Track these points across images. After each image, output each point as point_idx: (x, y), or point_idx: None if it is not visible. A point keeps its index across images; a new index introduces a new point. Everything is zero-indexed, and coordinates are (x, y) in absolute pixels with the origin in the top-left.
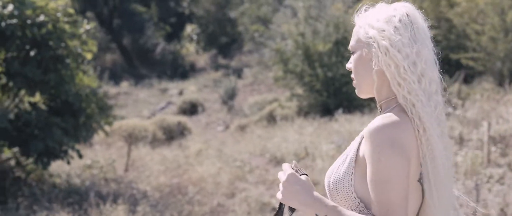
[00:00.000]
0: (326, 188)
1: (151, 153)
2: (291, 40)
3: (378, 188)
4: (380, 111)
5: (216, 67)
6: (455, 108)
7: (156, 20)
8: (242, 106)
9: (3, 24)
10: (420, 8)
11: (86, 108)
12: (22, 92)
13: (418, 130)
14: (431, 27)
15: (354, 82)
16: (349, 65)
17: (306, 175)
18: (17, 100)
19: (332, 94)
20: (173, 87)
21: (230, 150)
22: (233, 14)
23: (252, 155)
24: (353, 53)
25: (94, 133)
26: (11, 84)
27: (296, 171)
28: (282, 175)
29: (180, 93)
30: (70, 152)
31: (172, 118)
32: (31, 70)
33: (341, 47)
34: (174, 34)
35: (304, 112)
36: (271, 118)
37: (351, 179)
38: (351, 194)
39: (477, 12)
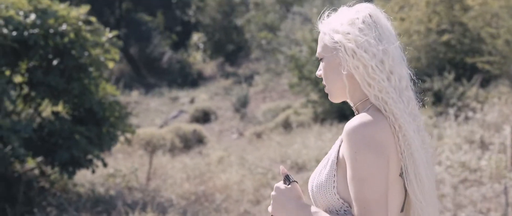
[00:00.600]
0: (310, 193)
1: (171, 161)
2: (305, 46)
3: (356, 186)
4: (357, 114)
5: (227, 75)
6: (474, 111)
7: (162, 29)
8: (255, 113)
9: (25, 33)
10: (434, 12)
11: (109, 117)
12: (45, 101)
13: (394, 126)
14: (445, 31)
15: (326, 88)
16: (319, 72)
17: (296, 182)
18: (39, 110)
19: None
20: (184, 95)
21: (251, 157)
22: (239, 21)
23: (273, 161)
24: (321, 60)
25: (117, 141)
26: (33, 93)
27: (286, 178)
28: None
29: (191, 101)
30: (95, 161)
31: (188, 126)
32: (54, 79)
33: None
34: (181, 43)
35: (320, 118)
36: (287, 125)
37: (334, 181)
38: (334, 195)
39: (491, 15)
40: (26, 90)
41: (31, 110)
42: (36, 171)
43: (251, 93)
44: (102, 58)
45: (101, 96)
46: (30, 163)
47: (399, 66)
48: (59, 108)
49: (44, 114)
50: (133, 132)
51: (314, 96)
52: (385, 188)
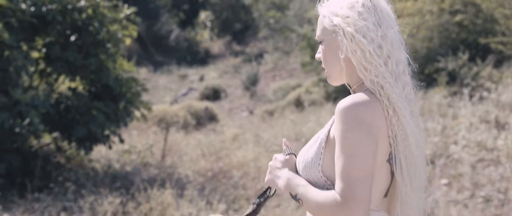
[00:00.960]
0: (299, 171)
1: (185, 138)
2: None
3: (342, 163)
4: (354, 93)
5: (235, 54)
6: (489, 91)
7: (170, 7)
8: (264, 92)
9: (44, 9)
10: None
11: (126, 93)
12: (61, 77)
13: (387, 111)
14: (458, 11)
15: (325, 71)
16: (318, 55)
17: (294, 154)
18: (55, 85)
19: None
20: (193, 73)
21: (266, 135)
22: (247, 0)
23: (287, 139)
24: (320, 43)
25: (134, 118)
26: (49, 69)
27: (286, 150)
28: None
29: (201, 79)
30: (112, 137)
31: (199, 103)
32: (72, 55)
33: None
34: (188, 21)
35: (332, 97)
36: (298, 104)
37: (320, 158)
38: (318, 173)
39: None
40: (42, 65)
41: (47, 86)
42: (52, 147)
43: (261, 72)
44: (119, 35)
45: (117, 72)
46: (46, 138)
47: (398, 50)
48: (76, 84)
49: (60, 90)
50: (149, 109)
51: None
52: (371, 169)
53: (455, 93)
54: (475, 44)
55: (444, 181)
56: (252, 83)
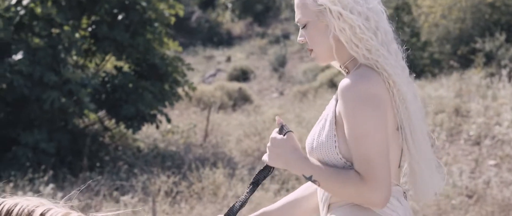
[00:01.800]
0: (308, 154)
1: (226, 118)
2: None
3: (357, 143)
4: (347, 72)
5: (262, 35)
6: None
7: None
8: (292, 73)
9: None
10: None
11: (172, 73)
12: (107, 56)
13: (388, 82)
14: None
15: (312, 53)
16: (301, 38)
17: (291, 132)
18: (100, 65)
19: None
20: (219, 54)
21: (307, 115)
22: None
23: None
24: (304, 26)
25: (179, 98)
26: (94, 48)
27: (281, 128)
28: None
29: (228, 60)
30: (159, 116)
31: (232, 84)
32: (120, 34)
33: (401, 12)
34: (209, 2)
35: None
36: (332, 84)
37: (335, 141)
38: (336, 155)
39: None
40: (86, 45)
41: (92, 65)
42: (97, 126)
43: (288, 53)
44: (166, 14)
45: (163, 52)
46: (92, 117)
47: (383, 20)
48: (121, 63)
49: (105, 69)
50: (193, 89)
51: None
52: (386, 141)
53: (492, 74)
54: (508, 26)
55: (492, 162)
56: (280, 64)
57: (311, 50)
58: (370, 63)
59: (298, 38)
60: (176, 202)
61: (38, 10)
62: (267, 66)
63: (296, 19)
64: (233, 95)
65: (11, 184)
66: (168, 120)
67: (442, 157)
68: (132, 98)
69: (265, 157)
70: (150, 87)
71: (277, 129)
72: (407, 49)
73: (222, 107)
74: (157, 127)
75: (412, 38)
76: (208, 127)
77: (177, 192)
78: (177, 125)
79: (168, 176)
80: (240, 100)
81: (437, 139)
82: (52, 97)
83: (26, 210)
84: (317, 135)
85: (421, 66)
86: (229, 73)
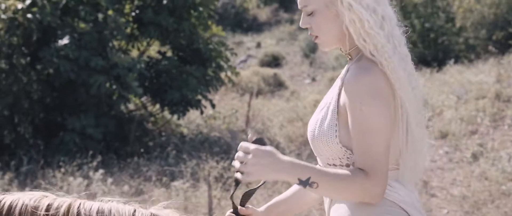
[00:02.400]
0: (310, 141)
1: (265, 104)
2: None
3: (362, 137)
4: (350, 58)
5: (288, 21)
6: None
7: None
8: (323, 59)
9: None
10: None
11: (216, 58)
12: (151, 41)
13: (390, 80)
14: None
15: (317, 39)
16: (307, 25)
17: (263, 138)
18: (143, 49)
19: (428, 45)
20: (249, 40)
21: None
22: None
23: None
24: (311, 13)
25: (223, 83)
26: (137, 33)
27: (259, 140)
28: (241, 155)
29: (258, 46)
30: (203, 102)
31: (267, 70)
32: (165, 18)
33: None
34: None
35: None
36: None
37: (336, 130)
38: (337, 145)
39: None
40: (128, 29)
41: (134, 50)
42: (141, 111)
43: None
44: None
45: (207, 36)
46: (135, 102)
47: (387, 7)
48: (165, 48)
49: (149, 54)
50: (237, 74)
51: None
52: (390, 137)
53: None
54: None
55: None
56: (311, 50)
57: (316, 36)
58: (376, 59)
59: (302, 24)
60: (226, 188)
61: None
62: (297, 52)
63: (300, 5)
64: (268, 81)
65: (62, 170)
66: (213, 106)
67: (487, 142)
68: (176, 83)
69: (242, 176)
70: (194, 72)
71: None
72: (442, 35)
73: (259, 92)
74: (202, 112)
75: (447, 23)
76: (249, 113)
77: (227, 178)
78: (218, 110)
79: (217, 162)
80: (275, 86)
81: (480, 124)
82: (99, 81)
83: (31, 203)
84: (319, 124)
85: (456, 52)
86: (260, 59)
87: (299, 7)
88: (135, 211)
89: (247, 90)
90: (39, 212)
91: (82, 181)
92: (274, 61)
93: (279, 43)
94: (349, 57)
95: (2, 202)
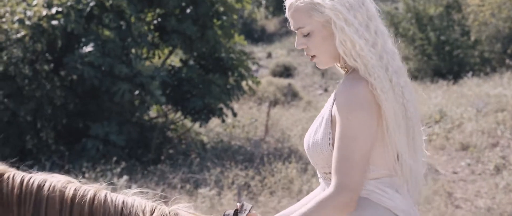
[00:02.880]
0: (306, 151)
1: (282, 113)
2: (402, 3)
3: (344, 144)
4: (346, 71)
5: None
6: None
7: None
8: (335, 69)
9: None
10: None
11: (238, 66)
12: (174, 50)
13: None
14: None
15: (314, 58)
16: (303, 46)
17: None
18: (165, 58)
19: (443, 58)
20: (259, 50)
21: None
22: None
23: None
24: (308, 34)
25: (244, 92)
26: (158, 41)
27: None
28: None
29: (268, 56)
30: (225, 110)
31: (280, 80)
32: (189, 27)
33: (452, 10)
34: None
35: (412, 76)
36: None
37: (329, 138)
38: (330, 152)
39: None
40: (149, 37)
41: (156, 58)
42: (161, 119)
43: None
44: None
45: (229, 45)
46: (155, 110)
47: (378, 22)
48: (186, 56)
49: (170, 63)
50: (258, 83)
51: (408, 53)
52: (370, 147)
53: None
54: None
55: None
56: None
57: (313, 56)
58: (366, 77)
59: (298, 45)
60: (251, 196)
61: (108, 2)
62: (308, 62)
63: (294, 28)
64: (282, 91)
65: (86, 175)
66: (234, 114)
67: (509, 155)
68: (199, 92)
69: None
70: (216, 80)
71: (231, 211)
72: (458, 48)
73: (275, 102)
74: (223, 121)
75: (462, 36)
76: (268, 122)
77: (249, 186)
78: (238, 119)
79: (241, 170)
80: (290, 96)
81: (501, 137)
82: (123, 89)
83: (59, 185)
84: (313, 133)
85: (471, 65)
86: (271, 70)
87: (292, 28)
88: (155, 207)
89: (263, 100)
90: (67, 191)
91: (107, 188)
92: (286, 72)
93: (290, 54)
94: (346, 70)
95: (31, 181)
